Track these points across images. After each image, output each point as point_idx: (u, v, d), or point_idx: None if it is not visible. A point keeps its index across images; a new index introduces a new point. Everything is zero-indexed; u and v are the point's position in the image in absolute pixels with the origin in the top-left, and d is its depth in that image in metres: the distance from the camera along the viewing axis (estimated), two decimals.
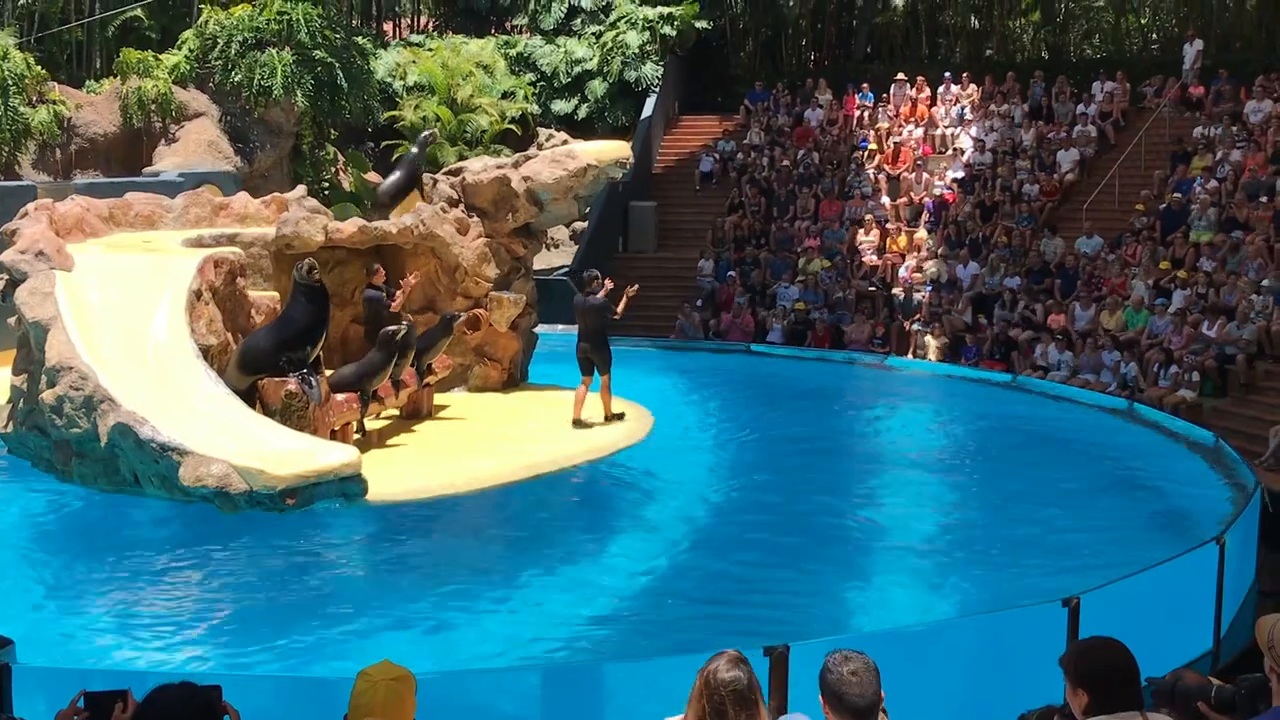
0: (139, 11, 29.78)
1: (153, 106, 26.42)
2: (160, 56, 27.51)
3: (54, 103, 25.99)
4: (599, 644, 9.66)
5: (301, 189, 16.60)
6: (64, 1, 30.10)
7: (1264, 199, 21.19)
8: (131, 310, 11.54)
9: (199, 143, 26.32)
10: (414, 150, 17.70)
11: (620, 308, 14.57)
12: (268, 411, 11.39)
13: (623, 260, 27.14)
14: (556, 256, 29.30)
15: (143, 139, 26.64)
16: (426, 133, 18.90)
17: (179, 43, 28.02)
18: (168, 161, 25.72)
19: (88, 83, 28.23)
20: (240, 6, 27.79)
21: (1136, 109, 26.52)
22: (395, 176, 17.27)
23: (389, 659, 4.94)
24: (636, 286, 15.07)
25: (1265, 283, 19.02)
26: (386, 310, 14.10)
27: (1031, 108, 27.59)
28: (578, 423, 14.31)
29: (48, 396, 10.71)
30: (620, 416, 14.62)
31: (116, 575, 10.90)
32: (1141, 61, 29.83)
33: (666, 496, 13.67)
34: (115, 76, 27.30)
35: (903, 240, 25.79)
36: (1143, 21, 34.76)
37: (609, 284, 14.61)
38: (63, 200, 14.07)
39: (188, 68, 27.25)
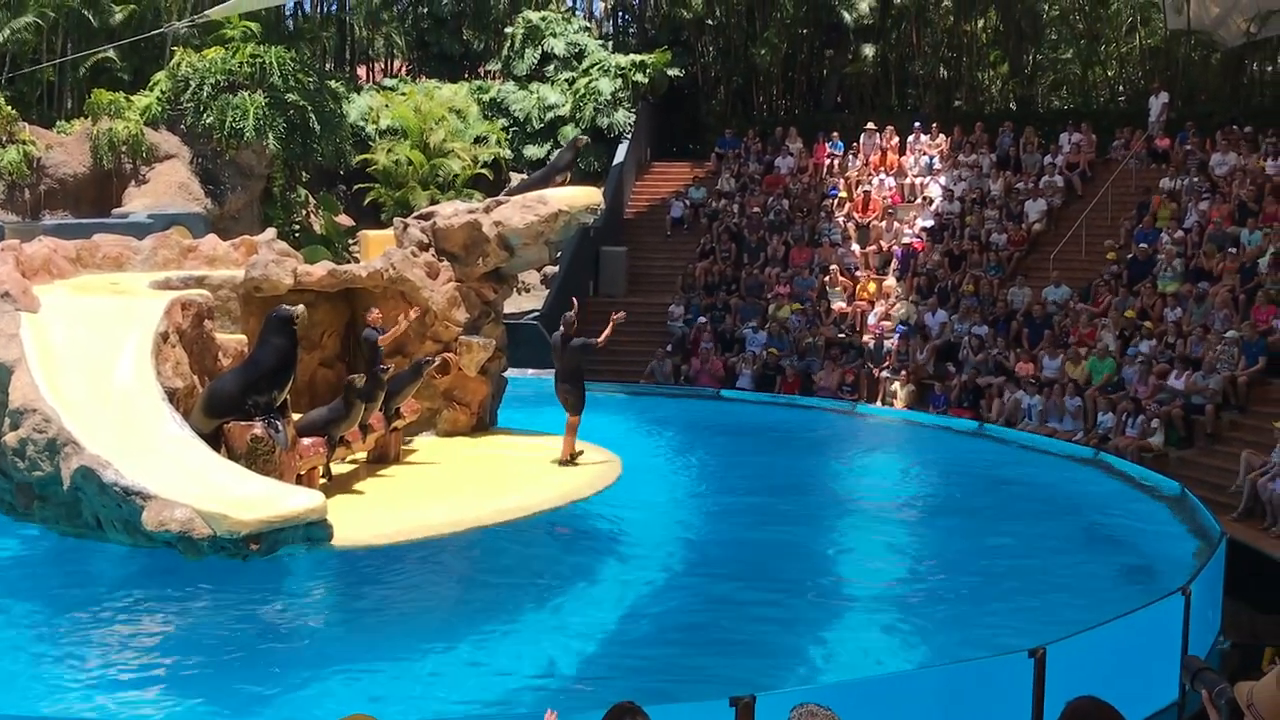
0: (111, 53, 29.76)
1: (123, 148, 26.40)
2: (132, 98, 27.53)
3: (24, 142, 25.95)
4: (564, 692, 9.58)
5: (271, 231, 16.57)
6: (36, 41, 30.07)
7: (1230, 250, 21.39)
8: (97, 353, 11.43)
9: (169, 184, 26.29)
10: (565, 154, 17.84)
11: (605, 334, 14.49)
12: (233, 455, 11.27)
13: (593, 305, 27.11)
14: (527, 300, 29.31)
15: (113, 180, 26.60)
16: (578, 136, 19.20)
17: (151, 84, 28.06)
18: (137, 203, 25.68)
19: (58, 123, 28.18)
20: (213, 49, 27.86)
21: (1103, 160, 26.82)
22: (536, 174, 17.33)
23: (362, 714, 4.86)
24: (623, 313, 15.04)
25: (1230, 333, 19.14)
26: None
27: (999, 158, 27.88)
28: (564, 462, 14.20)
29: (10, 439, 10.59)
30: (578, 455, 14.46)
31: (77, 621, 10.75)
32: (1108, 113, 30.21)
33: (635, 543, 13.62)
34: (86, 117, 27.29)
35: (872, 287, 25.93)
36: (1109, 74, 35.20)
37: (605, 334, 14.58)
38: (30, 241, 13.99)
39: (159, 109, 27.28)
